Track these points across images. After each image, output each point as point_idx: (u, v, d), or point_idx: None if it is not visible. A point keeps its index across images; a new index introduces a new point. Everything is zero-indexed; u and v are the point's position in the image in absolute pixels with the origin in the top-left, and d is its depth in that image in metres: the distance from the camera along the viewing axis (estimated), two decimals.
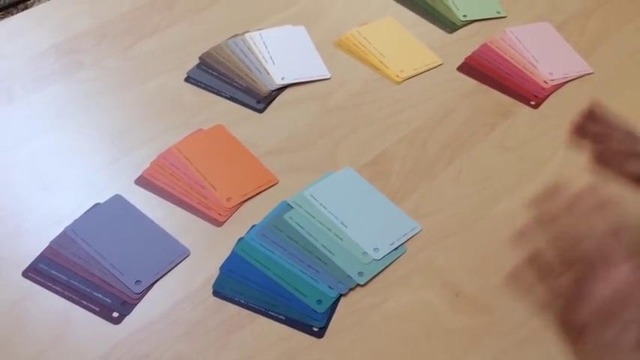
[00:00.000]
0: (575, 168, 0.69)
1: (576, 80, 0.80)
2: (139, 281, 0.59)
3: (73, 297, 0.58)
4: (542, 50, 0.83)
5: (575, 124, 0.58)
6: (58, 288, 0.59)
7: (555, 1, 0.91)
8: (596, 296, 0.44)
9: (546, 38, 0.86)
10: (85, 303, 0.58)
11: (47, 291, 0.59)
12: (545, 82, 0.80)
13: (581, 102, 0.77)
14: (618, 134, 0.59)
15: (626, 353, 0.41)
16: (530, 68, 0.81)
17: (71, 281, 0.59)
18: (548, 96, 0.78)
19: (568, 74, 0.81)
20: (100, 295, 0.58)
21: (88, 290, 0.59)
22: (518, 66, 0.81)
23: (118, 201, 0.65)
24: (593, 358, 0.43)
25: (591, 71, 0.81)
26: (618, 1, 0.91)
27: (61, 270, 0.60)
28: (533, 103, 0.77)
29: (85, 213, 0.64)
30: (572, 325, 0.44)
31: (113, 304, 0.58)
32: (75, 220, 0.63)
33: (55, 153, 0.70)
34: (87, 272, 0.60)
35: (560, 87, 0.79)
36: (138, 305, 0.58)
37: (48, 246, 0.61)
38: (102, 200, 0.65)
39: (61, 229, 0.63)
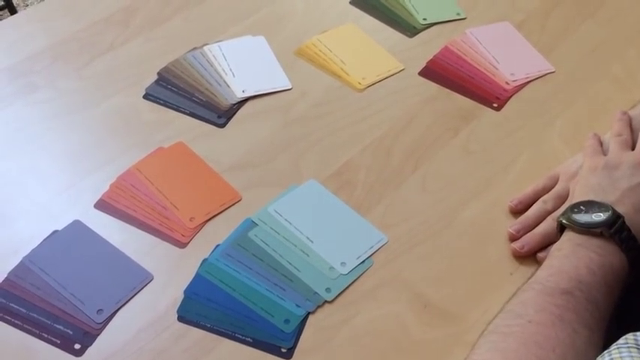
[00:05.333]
0: (539, 169, 0.69)
1: (538, 80, 0.80)
2: (101, 310, 0.58)
3: (33, 330, 0.57)
4: (502, 51, 0.83)
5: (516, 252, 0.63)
6: (16, 321, 0.57)
7: (514, 0, 0.91)
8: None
9: (507, 38, 0.85)
10: (46, 336, 0.56)
11: (5, 324, 0.57)
12: (507, 83, 0.79)
13: (543, 102, 0.78)
14: (549, 203, 0.65)
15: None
16: (492, 69, 0.81)
17: (30, 313, 0.57)
18: (510, 97, 0.78)
19: (530, 74, 0.81)
20: (61, 327, 0.57)
21: (49, 322, 0.57)
22: (480, 68, 0.81)
23: (77, 227, 0.64)
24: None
25: (553, 70, 0.81)
26: None
27: (19, 302, 0.58)
28: (495, 105, 0.77)
29: (43, 241, 0.62)
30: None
31: (75, 335, 0.56)
32: (33, 250, 0.62)
33: (10, 180, 0.68)
34: (47, 303, 0.58)
35: (522, 87, 0.79)
36: (100, 335, 0.56)
37: (5, 278, 0.60)
38: (60, 227, 0.64)
39: (19, 260, 0.61)
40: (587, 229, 0.56)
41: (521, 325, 0.50)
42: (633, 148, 0.65)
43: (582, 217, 0.57)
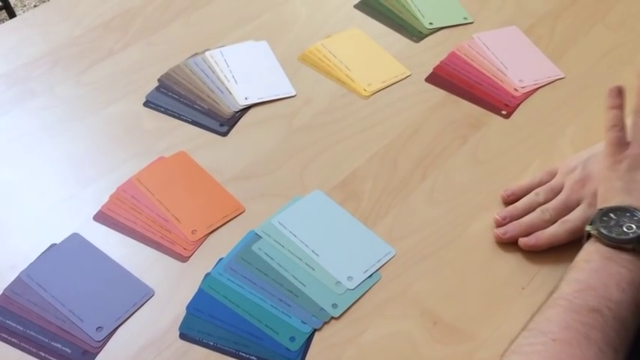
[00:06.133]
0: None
1: (547, 86, 0.78)
2: (101, 327, 0.56)
3: (30, 348, 0.55)
4: (511, 56, 0.81)
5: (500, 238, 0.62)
6: (13, 339, 0.55)
7: (522, 3, 0.89)
8: None
9: (515, 43, 0.84)
10: (43, 354, 0.54)
11: (1, 343, 0.55)
12: (516, 89, 0.77)
13: (552, 109, 0.76)
14: (541, 195, 0.63)
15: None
16: (500, 76, 0.79)
17: (27, 331, 0.56)
18: (519, 104, 0.76)
19: (539, 80, 0.79)
20: (59, 345, 0.55)
21: (46, 340, 0.55)
22: (488, 74, 0.79)
23: (75, 240, 0.62)
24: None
25: (562, 76, 0.80)
26: (586, 0, 0.89)
27: (16, 319, 0.56)
28: (504, 112, 0.75)
29: (41, 255, 0.61)
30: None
31: (73, 354, 0.55)
32: (30, 264, 0.60)
33: (7, 190, 0.66)
34: (44, 320, 0.56)
35: (531, 94, 0.77)
36: (100, 354, 0.55)
37: (2, 294, 0.58)
38: (59, 240, 0.62)
39: (16, 275, 0.59)
40: (617, 244, 0.53)
41: (544, 343, 0.48)
42: None
43: (613, 230, 0.53)
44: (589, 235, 0.55)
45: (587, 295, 0.50)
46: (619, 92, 0.60)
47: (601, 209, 0.55)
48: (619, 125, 0.59)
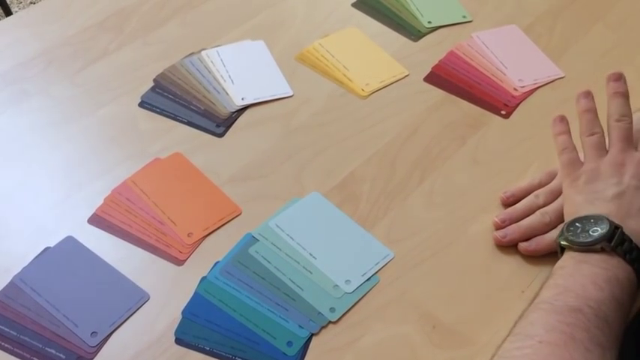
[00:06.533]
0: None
1: (547, 85, 0.78)
2: (95, 332, 0.55)
3: (24, 354, 0.54)
4: (510, 55, 0.81)
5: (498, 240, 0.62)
6: (6, 345, 0.54)
7: (522, 2, 0.88)
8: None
9: (514, 42, 0.83)
10: None
11: None
12: (515, 89, 0.77)
13: (552, 109, 0.75)
14: (541, 198, 0.63)
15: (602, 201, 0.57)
16: (499, 75, 0.78)
17: (21, 336, 0.55)
18: (518, 104, 0.75)
19: (538, 80, 0.78)
20: (53, 351, 0.54)
21: (40, 346, 0.54)
22: (487, 73, 0.78)
23: (69, 243, 0.61)
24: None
25: (562, 75, 0.79)
26: None
27: (9, 324, 0.56)
28: (503, 112, 0.74)
29: (35, 259, 0.60)
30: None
31: (68, 359, 0.54)
32: (24, 268, 0.59)
33: (0, 193, 0.65)
34: (38, 325, 0.55)
35: (530, 94, 0.77)
36: (94, 359, 0.54)
37: None
38: (53, 243, 0.61)
39: (9, 279, 0.58)
40: (586, 247, 0.54)
41: (532, 346, 0.48)
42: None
43: (580, 235, 0.55)
44: (562, 247, 0.57)
45: (567, 297, 0.51)
46: (562, 119, 0.65)
47: (567, 222, 0.57)
48: (569, 147, 0.63)
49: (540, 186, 0.65)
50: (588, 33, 0.84)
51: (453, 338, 0.56)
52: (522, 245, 0.61)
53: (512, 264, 0.61)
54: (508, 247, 0.62)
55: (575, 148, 0.63)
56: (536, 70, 0.79)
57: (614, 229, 0.54)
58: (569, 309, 0.50)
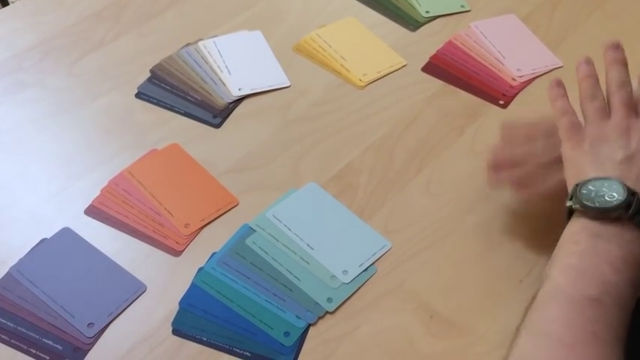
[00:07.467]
0: None
1: (545, 75, 0.77)
2: (92, 324, 0.55)
3: (21, 345, 0.54)
4: (508, 45, 0.80)
5: (491, 163, 0.60)
6: (3, 336, 0.54)
7: None
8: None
9: (513, 31, 0.82)
10: (34, 351, 0.54)
11: None
12: (514, 79, 0.76)
13: None
14: (538, 144, 0.60)
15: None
16: (498, 65, 0.78)
17: (18, 328, 0.55)
18: (517, 94, 0.75)
19: (536, 69, 0.78)
20: (50, 342, 0.54)
21: (37, 337, 0.54)
22: (485, 63, 0.78)
23: (66, 235, 0.61)
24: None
25: (561, 64, 0.78)
26: None
27: (6, 316, 0.55)
28: (501, 102, 0.74)
29: (32, 250, 0.60)
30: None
31: (65, 351, 0.54)
32: (20, 259, 0.59)
33: None
34: (35, 317, 0.55)
35: (528, 83, 0.76)
36: (91, 351, 0.54)
37: None
38: (49, 235, 0.61)
39: (6, 270, 0.58)
40: (602, 213, 0.50)
41: (550, 345, 0.46)
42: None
43: (596, 200, 0.50)
44: (571, 212, 0.53)
45: (585, 285, 0.48)
46: (559, 83, 0.59)
47: (577, 184, 0.53)
48: (570, 111, 0.57)
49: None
50: (587, 22, 0.84)
51: (450, 328, 0.56)
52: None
53: (509, 254, 0.61)
54: (505, 235, 0.61)
55: (575, 112, 0.57)
56: (535, 60, 0.79)
57: (631, 196, 0.49)
58: (589, 301, 0.47)
